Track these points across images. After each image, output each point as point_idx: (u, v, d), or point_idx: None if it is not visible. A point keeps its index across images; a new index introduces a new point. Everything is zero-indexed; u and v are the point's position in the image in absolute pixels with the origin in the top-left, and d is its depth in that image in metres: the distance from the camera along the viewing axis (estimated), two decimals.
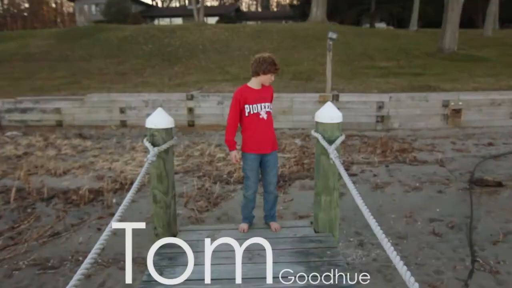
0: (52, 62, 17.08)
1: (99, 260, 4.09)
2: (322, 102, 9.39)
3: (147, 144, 2.44)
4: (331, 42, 9.32)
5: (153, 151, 2.32)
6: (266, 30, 19.51)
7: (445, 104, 9.33)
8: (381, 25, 28.88)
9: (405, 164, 6.98)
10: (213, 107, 9.88)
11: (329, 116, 2.49)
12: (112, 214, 5.06)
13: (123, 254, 4.26)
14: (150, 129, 2.49)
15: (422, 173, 6.49)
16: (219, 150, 7.89)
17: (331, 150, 2.18)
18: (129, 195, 1.87)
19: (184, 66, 15.13)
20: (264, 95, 2.85)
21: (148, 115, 9.77)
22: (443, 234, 4.51)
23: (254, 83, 2.87)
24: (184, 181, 6.23)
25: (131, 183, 6.06)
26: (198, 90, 10.98)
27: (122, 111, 10.14)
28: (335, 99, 9.39)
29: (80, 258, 4.18)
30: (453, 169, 6.67)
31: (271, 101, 2.91)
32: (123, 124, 10.19)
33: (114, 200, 5.44)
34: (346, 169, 7.21)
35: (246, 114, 2.83)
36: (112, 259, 4.15)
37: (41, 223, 4.88)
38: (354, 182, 5.85)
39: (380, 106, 9.35)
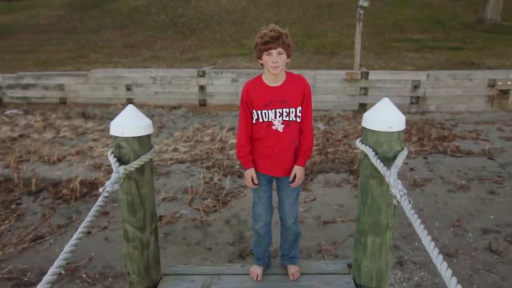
0: (60, 34, 16.45)
1: (83, 275, 3.47)
2: (349, 80, 8.45)
3: (111, 159, 1.70)
4: (361, 11, 8.26)
5: (116, 172, 1.57)
6: None
7: (492, 84, 8.24)
8: None
9: (446, 156, 6.09)
10: (227, 85, 9.06)
11: (386, 120, 1.64)
12: (106, 213, 4.44)
13: (113, 267, 3.63)
14: (116, 137, 1.72)
15: (468, 167, 5.59)
16: (232, 135, 7.13)
17: (392, 179, 1.38)
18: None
19: (198, 39, 14.23)
20: (284, 96, 1.94)
21: (156, 93, 8.81)
22: (503, 252, 3.69)
23: (266, 74, 2.02)
24: (191, 172, 5.54)
25: None
26: (211, 66, 10.15)
27: (128, 88, 9.44)
28: (364, 77, 8.42)
29: (62, 272, 3.57)
30: (505, 163, 5.74)
31: (300, 105, 1.98)
32: (130, 102, 9.48)
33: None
34: None
35: (254, 121, 2.02)
36: (99, 273, 3.52)
37: (24, 223, 4.30)
38: None
39: (416, 86, 8.33)
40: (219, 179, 5.24)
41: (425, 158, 5.97)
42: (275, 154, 2.03)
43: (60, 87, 9.71)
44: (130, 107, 1.81)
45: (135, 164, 1.67)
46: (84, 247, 3.84)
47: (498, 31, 13.46)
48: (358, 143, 1.76)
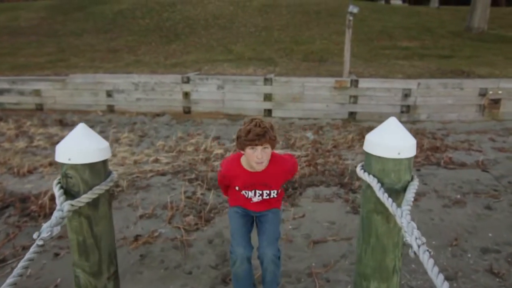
0: (40, 37, 15.96)
1: None
2: (338, 88, 8.25)
3: (55, 191, 1.39)
4: (351, 18, 8.09)
5: (59, 210, 1.25)
6: (274, 5, 18.09)
7: (483, 93, 8.14)
8: (397, 2, 27.31)
9: (439, 167, 5.89)
10: (212, 92, 8.77)
11: (394, 145, 1.34)
12: None
13: None
14: (63, 165, 1.41)
15: (463, 180, 5.40)
16: (217, 145, 6.83)
17: (405, 221, 1.10)
18: None
19: (183, 44, 13.92)
20: (266, 179, 1.94)
21: (138, 99, 8.42)
22: (505, 274, 3.46)
23: (245, 161, 1.97)
24: (172, 185, 5.21)
25: None
26: (196, 72, 9.85)
27: (109, 94, 9.06)
28: (353, 84, 8.23)
29: None
30: (500, 176, 5.58)
31: (281, 184, 2.05)
32: (111, 109, 9.13)
33: None
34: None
35: (235, 188, 2.06)
36: None
37: None
38: None
39: (406, 94, 8.17)
40: (202, 193, 4.92)
41: (418, 170, 5.76)
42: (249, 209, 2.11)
43: (37, 92, 9.28)
44: (81, 126, 1.49)
45: (85, 198, 1.34)
46: (49, 272, 3.48)
47: (486, 39, 13.52)
48: (359, 171, 1.48)
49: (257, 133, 1.75)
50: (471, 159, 6.24)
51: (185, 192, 4.92)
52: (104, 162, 1.47)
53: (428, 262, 0.95)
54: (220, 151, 6.47)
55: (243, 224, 2.05)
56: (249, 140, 1.77)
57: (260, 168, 1.84)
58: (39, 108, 9.36)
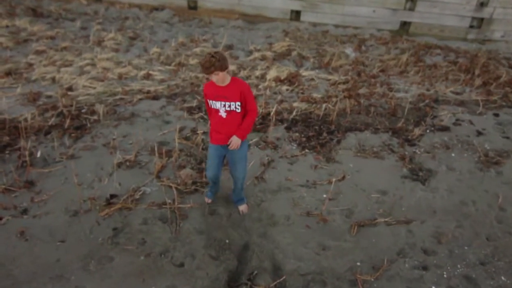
0: None
1: None
2: None
3: None
4: None
5: None
6: None
7: None
8: None
9: None
10: None
11: None
12: (31, 183, 3.05)
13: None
14: None
15: None
16: (228, 57, 5.42)
17: None
18: None
19: None
20: (226, 93, 2.65)
21: None
22: None
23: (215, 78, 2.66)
24: (166, 117, 4.03)
25: (78, 114, 3.90)
26: None
27: None
28: None
29: None
30: None
31: (238, 100, 2.67)
32: None
33: (39, 153, 3.33)
34: (432, 116, 4.55)
35: (209, 105, 2.75)
36: None
37: None
38: (446, 146, 3.47)
39: (483, 3, 6.37)
40: (205, 132, 3.75)
41: (496, 115, 4.45)
42: (220, 132, 2.72)
43: None
44: None
45: None
46: None
47: None
48: None
49: (205, 67, 2.49)
50: None
51: (181, 129, 3.75)
52: None
53: None
54: (232, 67, 5.11)
55: (213, 156, 2.79)
56: (204, 72, 2.57)
57: (220, 84, 2.61)
58: None
